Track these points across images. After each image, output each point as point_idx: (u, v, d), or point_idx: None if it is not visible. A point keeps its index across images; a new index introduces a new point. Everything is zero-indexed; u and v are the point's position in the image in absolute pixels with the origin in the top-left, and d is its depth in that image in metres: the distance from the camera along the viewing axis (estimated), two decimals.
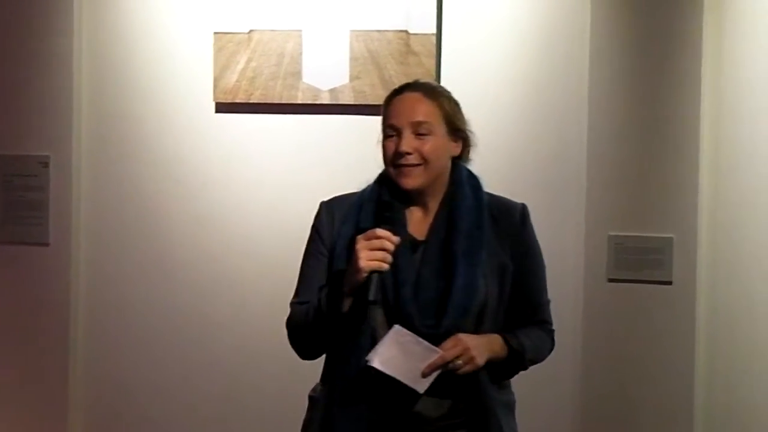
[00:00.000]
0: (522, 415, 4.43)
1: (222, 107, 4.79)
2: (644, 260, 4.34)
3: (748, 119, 4.27)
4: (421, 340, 2.95)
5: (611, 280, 4.39)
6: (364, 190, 3.14)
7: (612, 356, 4.37)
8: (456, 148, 3.14)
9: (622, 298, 4.37)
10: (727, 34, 4.29)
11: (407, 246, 3.03)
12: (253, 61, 4.73)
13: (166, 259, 4.86)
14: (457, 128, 3.12)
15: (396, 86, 3.18)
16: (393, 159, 3.04)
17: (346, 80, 4.65)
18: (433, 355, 2.94)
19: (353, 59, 4.65)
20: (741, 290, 4.29)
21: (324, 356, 3.14)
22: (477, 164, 4.49)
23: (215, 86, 4.77)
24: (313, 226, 3.15)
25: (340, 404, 3.00)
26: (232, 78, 4.75)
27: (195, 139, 4.83)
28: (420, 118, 3.04)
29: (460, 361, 2.94)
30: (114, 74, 4.89)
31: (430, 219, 3.10)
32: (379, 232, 2.93)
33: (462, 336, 2.96)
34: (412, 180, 3.04)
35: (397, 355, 2.94)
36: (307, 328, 3.05)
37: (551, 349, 3.26)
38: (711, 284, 4.32)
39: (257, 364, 4.75)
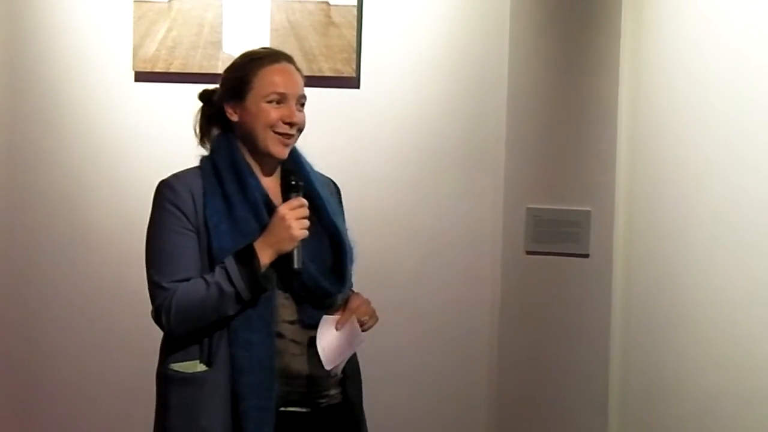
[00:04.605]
0: (438, 385, 4.50)
1: (141, 76, 4.76)
2: (562, 233, 4.36)
3: (665, 94, 4.31)
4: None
5: (529, 253, 4.41)
6: (203, 164, 3.09)
7: (529, 328, 4.39)
8: None
9: (539, 271, 4.39)
10: (646, 6, 4.33)
11: (267, 210, 3.03)
12: (173, 30, 4.69)
13: (83, 226, 4.85)
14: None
15: (282, 54, 3.18)
16: (275, 126, 3.05)
17: None
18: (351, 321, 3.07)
19: (274, 30, 4.62)
20: (656, 263, 4.33)
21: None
22: (396, 137, 4.55)
23: (134, 55, 4.73)
24: (170, 203, 3.00)
25: (248, 375, 2.96)
26: (151, 47, 4.71)
27: (114, 108, 4.80)
28: (303, 92, 3.12)
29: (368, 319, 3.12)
30: (33, 41, 4.86)
31: (276, 183, 3.12)
32: (302, 200, 3.00)
33: (358, 294, 3.15)
34: (287, 150, 3.09)
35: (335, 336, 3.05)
36: (206, 307, 2.94)
37: None
38: (627, 257, 4.36)
39: None
